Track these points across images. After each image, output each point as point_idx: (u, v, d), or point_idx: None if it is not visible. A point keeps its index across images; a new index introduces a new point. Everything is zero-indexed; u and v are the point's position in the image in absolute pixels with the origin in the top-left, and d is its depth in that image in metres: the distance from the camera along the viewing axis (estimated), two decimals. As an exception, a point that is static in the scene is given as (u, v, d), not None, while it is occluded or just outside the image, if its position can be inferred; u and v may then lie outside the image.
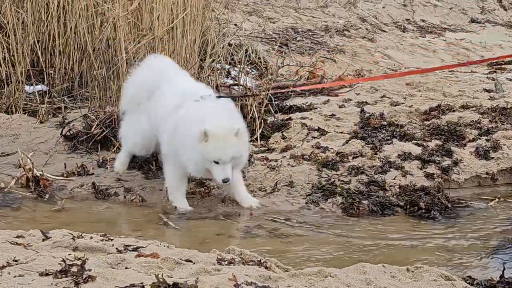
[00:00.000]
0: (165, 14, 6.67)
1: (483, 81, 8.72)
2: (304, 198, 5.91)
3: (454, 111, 7.31)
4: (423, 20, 12.18)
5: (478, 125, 6.90)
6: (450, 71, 9.74)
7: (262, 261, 4.01)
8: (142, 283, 3.37)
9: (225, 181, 5.45)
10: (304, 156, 6.39)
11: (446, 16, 12.54)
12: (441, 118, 7.10)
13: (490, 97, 8.00)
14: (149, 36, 6.23)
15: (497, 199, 5.99)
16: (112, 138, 6.70)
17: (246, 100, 7.05)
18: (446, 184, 6.16)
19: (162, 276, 3.31)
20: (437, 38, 11.50)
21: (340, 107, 7.61)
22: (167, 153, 5.82)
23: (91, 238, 4.10)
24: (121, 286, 3.35)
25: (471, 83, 8.70)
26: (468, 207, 5.86)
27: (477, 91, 8.29)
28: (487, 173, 6.30)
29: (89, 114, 7.02)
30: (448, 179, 6.19)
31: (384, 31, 11.46)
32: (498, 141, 6.54)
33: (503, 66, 9.86)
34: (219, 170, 5.43)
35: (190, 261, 3.88)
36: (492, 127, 6.82)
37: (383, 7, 12.21)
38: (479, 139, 6.64)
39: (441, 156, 6.37)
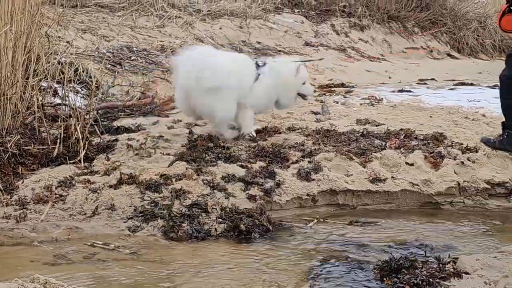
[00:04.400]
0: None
1: (312, 103, 8.96)
2: (125, 222, 5.80)
3: (280, 133, 7.47)
4: (258, 42, 12.41)
5: (302, 147, 7.05)
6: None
7: (66, 290, 3.88)
8: None
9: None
10: (128, 179, 6.28)
11: (281, 39, 12.84)
12: (268, 139, 7.22)
13: (317, 119, 8.23)
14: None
15: (316, 220, 6.13)
16: None
17: (71, 120, 6.87)
18: (268, 206, 6.23)
19: None
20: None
21: (169, 128, 7.60)
22: None
23: None
24: None
25: (300, 105, 8.90)
26: (289, 228, 5.96)
27: (305, 113, 8.51)
28: (308, 195, 6.43)
29: None
30: (270, 201, 6.27)
31: (220, 52, 11.56)
32: (320, 163, 6.69)
33: (332, 89, 10.20)
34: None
35: (-13, 292, 3.69)
36: (315, 149, 6.99)
37: (220, 28, 12.33)
38: (302, 161, 6.78)
39: (264, 178, 6.45)
